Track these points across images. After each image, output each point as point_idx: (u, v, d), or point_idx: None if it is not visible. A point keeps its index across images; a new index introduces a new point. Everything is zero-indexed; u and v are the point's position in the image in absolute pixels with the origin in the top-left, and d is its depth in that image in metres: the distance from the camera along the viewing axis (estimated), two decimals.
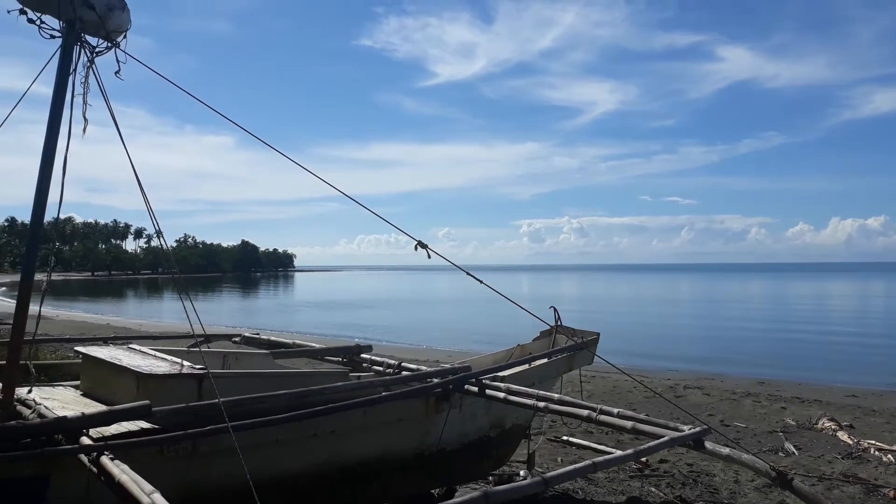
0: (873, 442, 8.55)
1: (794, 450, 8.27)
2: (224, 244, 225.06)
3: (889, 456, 7.94)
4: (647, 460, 6.90)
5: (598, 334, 6.44)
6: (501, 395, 4.66)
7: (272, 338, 6.89)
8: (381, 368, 5.83)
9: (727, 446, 3.85)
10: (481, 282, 4.85)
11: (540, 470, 6.33)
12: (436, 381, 4.81)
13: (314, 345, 6.73)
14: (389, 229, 4.91)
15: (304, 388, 4.11)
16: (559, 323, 6.50)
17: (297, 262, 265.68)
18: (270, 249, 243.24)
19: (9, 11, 3.53)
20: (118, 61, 3.81)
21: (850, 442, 8.64)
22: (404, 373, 5.40)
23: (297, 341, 6.75)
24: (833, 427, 9.41)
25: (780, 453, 8.15)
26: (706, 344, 24.81)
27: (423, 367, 5.75)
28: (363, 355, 6.17)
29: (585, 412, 4.21)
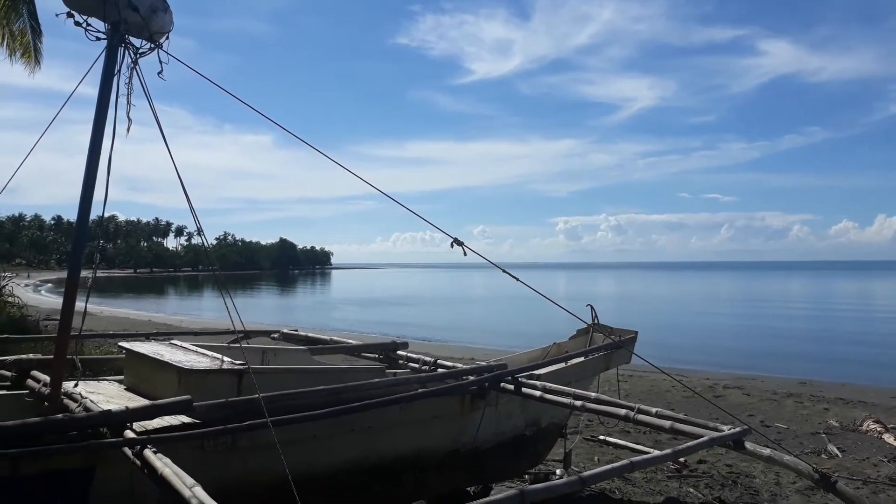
0: None
1: (837, 452, 8.09)
2: (263, 242, 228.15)
3: None
4: (685, 460, 6.81)
5: (636, 333, 6.37)
6: (537, 393, 4.64)
7: (310, 334, 6.97)
8: (416, 366, 5.85)
9: (768, 447, 3.78)
10: (517, 279, 4.83)
11: (576, 469, 6.30)
12: (472, 378, 4.81)
13: (351, 341, 6.78)
14: (425, 227, 4.92)
15: (341, 385, 4.14)
16: (596, 321, 6.43)
17: (334, 260, 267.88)
18: (308, 247, 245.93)
19: (56, 15, 3.62)
20: (161, 62, 3.88)
21: None
22: (440, 370, 5.42)
23: (335, 338, 6.81)
24: (879, 429, 9.17)
25: (823, 455, 7.98)
26: (746, 343, 24.39)
27: (459, 365, 5.76)
28: (399, 352, 6.21)
29: (623, 411, 4.17)
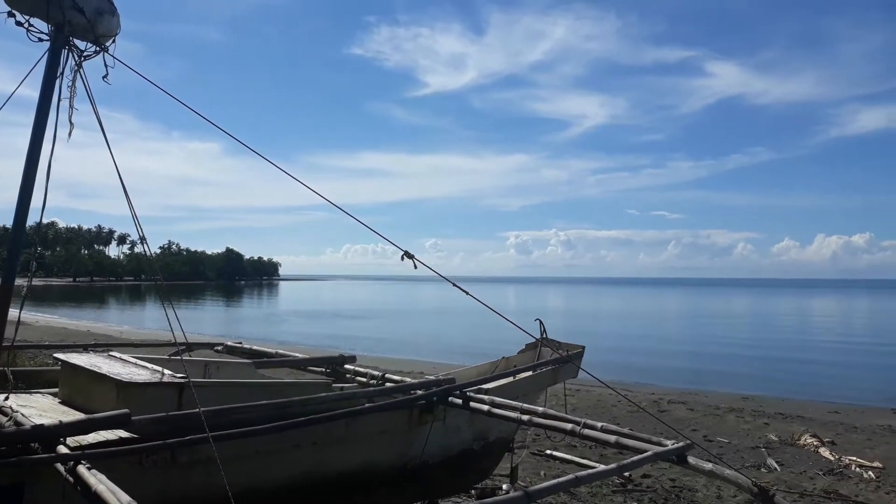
0: (854, 458, 8.60)
1: (776, 466, 8.29)
2: (209, 251, 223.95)
3: (870, 472, 7.99)
4: (630, 475, 6.89)
5: (584, 347, 6.43)
6: (485, 407, 4.64)
7: (255, 347, 6.84)
8: (364, 379, 5.80)
9: (710, 461, 3.84)
10: (467, 293, 4.84)
11: (523, 484, 6.31)
12: (420, 392, 4.78)
13: (297, 355, 6.68)
14: (376, 239, 4.90)
15: (286, 399, 4.07)
16: (545, 335, 6.48)
17: (282, 271, 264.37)
18: (255, 257, 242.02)
19: None
20: (106, 65, 3.80)
21: (832, 458, 8.69)
22: (388, 384, 5.37)
23: (280, 351, 6.71)
24: (815, 443, 9.45)
25: (763, 469, 8.17)
26: (691, 359, 24.89)
27: (408, 379, 5.73)
28: (347, 366, 6.14)
29: (569, 426, 4.19)
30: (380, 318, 46.89)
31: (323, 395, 4.37)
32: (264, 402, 3.94)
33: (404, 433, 4.78)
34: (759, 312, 61.44)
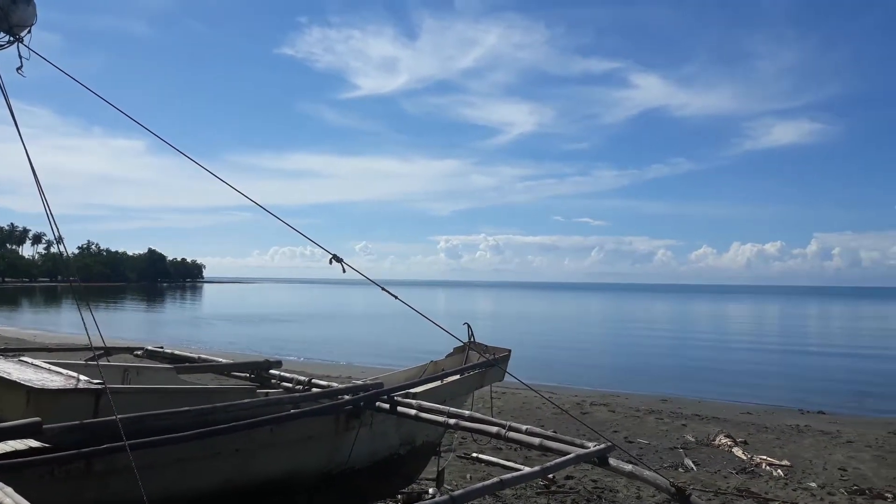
0: (765, 457, 9.00)
1: (693, 465, 8.59)
2: (130, 252, 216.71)
3: (779, 471, 8.37)
4: (553, 476, 7.01)
5: (510, 351, 6.52)
6: (413, 412, 4.65)
7: (176, 352, 6.66)
8: (290, 385, 5.72)
9: (630, 463, 3.96)
10: (396, 297, 4.84)
11: (449, 487, 6.35)
12: (346, 397, 4.76)
13: (221, 360, 6.54)
14: (304, 241, 4.85)
15: (209, 405, 3.98)
16: (472, 339, 6.54)
17: (206, 273, 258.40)
18: (179, 259, 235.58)
19: None
20: (21, 57, 3.64)
21: (745, 457, 9.06)
22: (314, 389, 5.32)
23: (203, 356, 6.56)
24: (729, 443, 9.84)
25: (681, 469, 8.45)
26: (613, 362, 25.54)
27: (335, 384, 5.68)
28: (272, 371, 6.05)
29: (495, 429, 4.24)
30: (307, 322, 46.29)
31: (247, 400, 4.30)
32: (185, 408, 3.84)
33: (330, 439, 4.74)
34: (678, 317, 63.55)
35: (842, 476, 8.34)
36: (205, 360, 6.38)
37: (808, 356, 28.73)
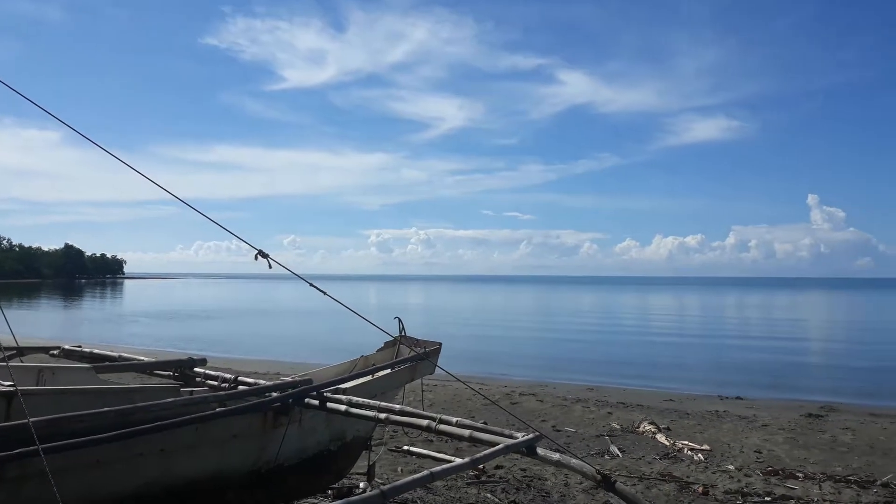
0: (686, 442, 9.33)
1: (618, 452, 8.83)
2: (45, 248, 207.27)
3: (699, 455, 8.70)
4: (483, 467, 7.09)
5: (440, 344, 6.54)
6: (343, 407, 4.61)
7: (95, 351, 6.40)
8: (215, 383, 5.58)
9: (558, 451, 4.04)
10: (324, 292, 4.79)
11: (380, 481, 6.34)
12: (274, 395, 4.68)
13: (142, 358, 6.32)
14: (230, 236, 4.73)
15: (130, 405, 3.85)
16: (403, 333, 6.54)
17: (127, 269, 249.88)
18: (98, 254, 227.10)
19: None
20: None
21: (667, 443, 9.37)
22: (241, 387, 5.21)
23: (124, 354, 6.33)
24: (653, 430, 10.15)
25: (606, 456, 8.67)
26: (541, 352, 25.97)
27: (262, 381, 5.58)
28: (196, 369, 5.89)
29: (425, 422, 4.25)
30: (234, 319, 45.27)
31: (170, 400, 4.17)
32: (105, 409, 3.70)
33: (258, 437, 4.66)
34: (603, 308, 65.12)
35: (757, 458, 8.73)
36: (125, 359, 6.16)
37: (726, 344, 29.92)
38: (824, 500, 6.66)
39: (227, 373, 5.77)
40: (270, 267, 4.63)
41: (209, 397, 4.50)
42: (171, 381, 5.81)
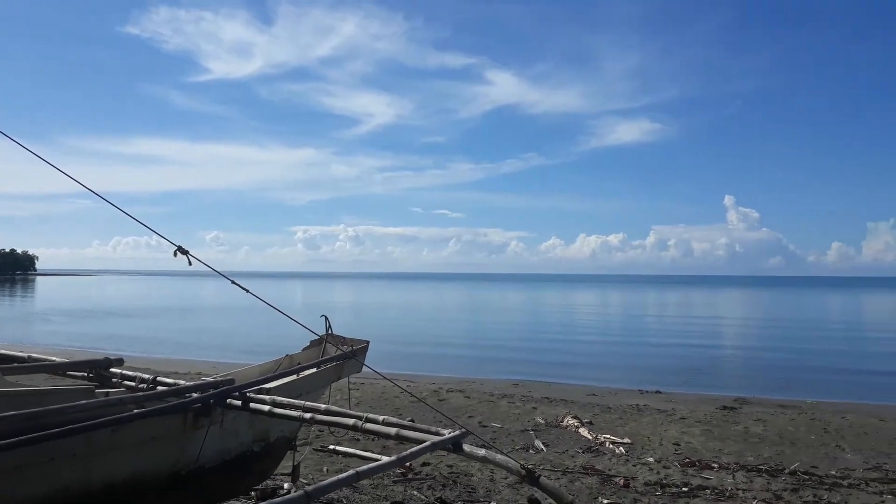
0: (608, 436, 9.57)
1: (542, 447, 8.98)
2: None
3: (621, 448, 8.94)
4: (410, 464, 7.09)
5: (368, 342, 6.50)
6: (266, 408, 4.53)
7: (3, 351, 6.09)
8: (133, 384, 5.39)
9: (484, 447, 4.07)
10: (247, 290, 4.69)
11: (305, 481, 6.26)
12: (195, 395, 4.55)
13: (54, 358, 6.04)
14: (150, 231, 4.58)
15: (41, 408, 3.67)
16: (329, 332, 6.47)
17: (39, 265, 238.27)
18: (7, 250, 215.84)
19: None
20: None
21: (590, 437, 9.59)
22: (160, 388, 5.05)
23: (35, 355, 6.03)
24: (576, 424, 10.37)
25: (531, 450, 8.81)
26: (469, 349, 26.15)
27: (182, 382, 5.42)
28: (113, 370, 5.67)
29: (351, 421, 4.22)
30: (154, 317, 43.79)
31: (84, 402, 4.00)
32: (12, 412, 3.52)
33: (178, 439, 4.53)
34: (529, 305, 66.16)
35: (675, 450, 9.04)
36: (36, 360, 5.87)
37: (646, 339, 30.87)
38: (737, 489, 6.94)
39: (146, 373, 5.58)
40: (191, 264, 4.50)
41: (126, 399, 4.34)
42: (86, 382, 5.58)
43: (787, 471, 7.84)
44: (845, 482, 7.38)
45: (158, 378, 5.35)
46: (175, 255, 4.37)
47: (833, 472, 7.91)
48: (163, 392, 4.70)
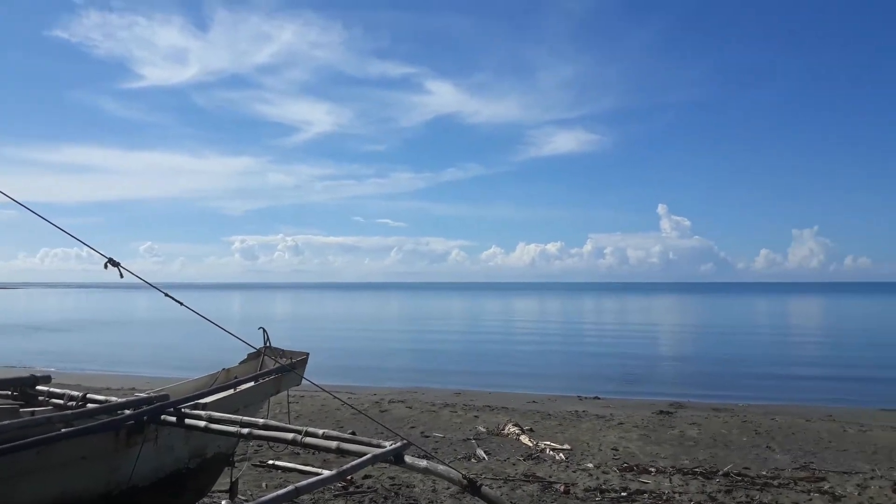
0: (548, 443, 9.68)
1: (484, 455, 9.01)
2: None
3: (561, 455, 9.04)
4: (351, 478, 7.01)
5: (307, 355, 6.42)
6: (202, 423, 4.42)
7: None
8: (61, 401, 5.19)
9: (426, 458, 4.06)
10: (180, 303, 4.58)
11: (243, 497, 6.13)
12: (127, 412, 4.41)
13: None
14: (80, 243, 4.42)
15: None
16: (268, 344, 6.36)
17: None
18: None
19: None
20: None
21: (531, 444, 9.67)
22: (90, 405, 4.87)
23: None
24: (517, 432, 10.45)
25: (473, 459, 8.83)
26: (411, 359, 26.09)
27: (114, 398, 5.25)
28: (39, 387, 5.44)
29: (291, 436, 4.15)
30: (83, 331, 42.21)
31: (7, 422, 3.83)
32: None
33: (109, 458, 4.37)
34: (470, 314, 66.39)
35: (614, 455, 9.20)
36: None
37: (585, 346, 31.35)
38: (674, 492, 7.10)
39: (75, 390, 5.38)
40: (122, 276, 4.37)
41: (53, 417, 4.17)
42: (9, 401, 5.34)
43: (720, 472, 8.07)
44: (775, 482, 7.64)
45: (89, 395, 5.16)
46: (106, 267, 4.23)
47: (764, 473, 8.18)
48: (93, 409, 4.54)
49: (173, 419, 4.47)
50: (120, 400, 4.94)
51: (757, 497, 6.99)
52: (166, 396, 4.83)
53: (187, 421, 4.46)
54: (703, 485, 7.46)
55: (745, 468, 8.45)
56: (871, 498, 7.05)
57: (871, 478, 8.03)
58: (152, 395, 4.94)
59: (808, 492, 7.24)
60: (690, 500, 6.83)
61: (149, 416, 4.42)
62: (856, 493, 7.21)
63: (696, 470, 8.23)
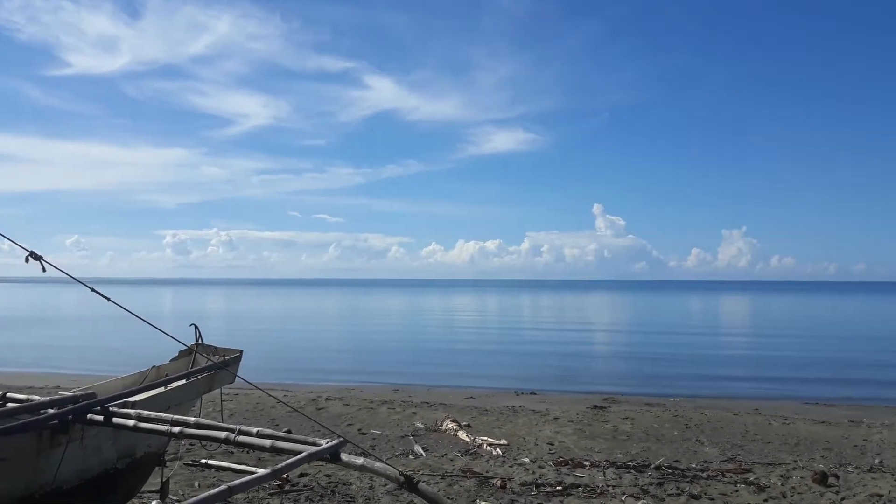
0: (486, 438, 9.74)
1: (422, 451, 9.01)
2: None
3: (498, 450, 9.12)
4: (287, 476, 6.91)
5: (241, 352, 6.31)
6: (131, 422, 4.28)
7: None
8: None
9: (363, 455, 4.04)
10: (108, 298, 4.42)
11: (175, 498, 5.98)
12: (51, 411, 4.23)
13: None
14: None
15: None
16: (200, 341, 6.22)
17: None
18: None
19: None
20: None
21: (468, 440, 9.72)
22: (10, 404, 4.67)
23: None
24: (454, 427, 10.49)
25: (411, 456, 8.82)
26: (349, 356, 25.92)
27: (36, 397, 5.03)
28: None
29: (223, 434, 4.06)
30: (4, 328, 40.45)
31: None
32: None
33: (31, 459, 4.19)
34: (408, 310, 66.39)
35: (550, 450, 9.33)
36: None
37: (521, 342, 31.76)
38: (608, 486, 7.24)
39: None
40: (45, 270, 4.19)
41: None
42: None
43: (653, 466, 8.28)
44: (704, 474, 7.88)
45: (9, 394, 4.94)
46: (27, 260, 4.05)
47: (694, 465, 8.43)
48: (13, 409, 4.35)
49: (100, 418, 4.31)
50: (43, 399, 4.74)
51: (687, 489, 7.19)
52: (93, 395, 4.66)
53: (115, 420, 4.31)
54: (636, 478, 7.64)
55: (676, 461, 8.69)
56: (794, 488, 7.34)
57: (794, 468, 8.37)
58: (78, 393, 4.77)
59: (735, 483, 7.50)
60: (624, 493, 6.98)
61: (74, 415, 4.25)
62: (779, 484, 7.50)
63: (629, 463, 8.42)
